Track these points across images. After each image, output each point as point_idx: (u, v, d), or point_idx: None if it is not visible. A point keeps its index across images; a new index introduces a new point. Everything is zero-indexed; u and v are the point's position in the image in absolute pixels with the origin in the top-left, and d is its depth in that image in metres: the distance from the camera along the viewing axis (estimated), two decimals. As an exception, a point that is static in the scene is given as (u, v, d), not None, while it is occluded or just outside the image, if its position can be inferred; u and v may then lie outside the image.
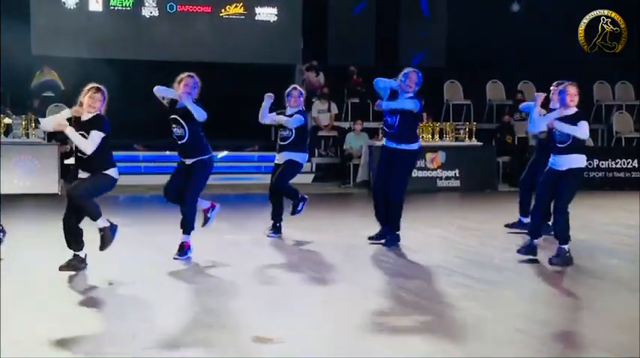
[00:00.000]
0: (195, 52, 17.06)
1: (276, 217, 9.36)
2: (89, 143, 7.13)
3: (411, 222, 10.49)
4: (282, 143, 9.48)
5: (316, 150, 16.72)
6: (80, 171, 7.38)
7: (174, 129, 7.99)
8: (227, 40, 17.61)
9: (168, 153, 15.49)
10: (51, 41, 16.63)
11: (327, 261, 8.12)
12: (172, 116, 8.00)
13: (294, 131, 9.40)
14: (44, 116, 14.81)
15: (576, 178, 7.97)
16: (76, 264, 7.31)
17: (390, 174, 8.77)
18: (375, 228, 9.01)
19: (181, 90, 7.79)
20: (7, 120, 14.44)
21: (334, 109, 16.97)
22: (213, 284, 7.07)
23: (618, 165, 16.05)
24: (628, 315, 6.21)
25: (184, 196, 7.89)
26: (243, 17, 18.01)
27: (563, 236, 7.86)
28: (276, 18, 18.16)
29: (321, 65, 17.73)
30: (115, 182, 7.47)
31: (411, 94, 8.71)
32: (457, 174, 15.23)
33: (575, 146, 7.89)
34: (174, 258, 7.79)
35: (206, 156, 8.00)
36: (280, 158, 9.49)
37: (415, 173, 15.17)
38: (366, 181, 15.16)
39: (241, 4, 17.96)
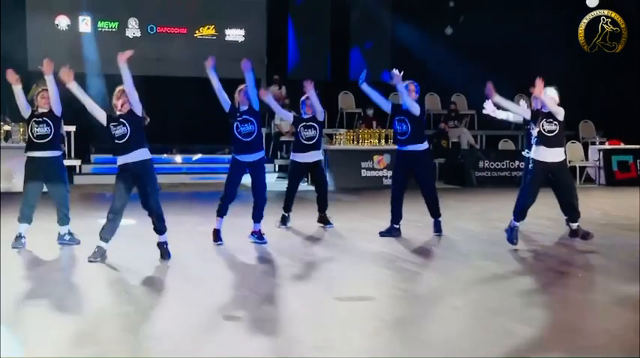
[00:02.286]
0: (172, 68, 17.04)
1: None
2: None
3: (362, 216, 10.59)
4: (308, 143, 9.49)
5: (279, 153, 16.72)
6: (120, 157, 7.14)
7: (242, 128, 8.08)
8: (200, 57, 17.35)
9: (153, 155, 15.41)
10: (45, 58, 16.36)
11: (287, 250, 8.13)
12: (242, 116, 8.15)
13: (319, 131, 9.48)
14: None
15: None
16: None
17: (417, 175, 8.73)
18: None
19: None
20: (6, 128, 14.36)
21: (294, 118, 16.95)
22: (189, 269, 7.06)
23: (536, 166, 16.25)
24: (536, 290, 6.34)
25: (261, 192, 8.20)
26: (214, 38, 17.99)
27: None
28: (243, 38, 18.18)
29: (282, 79, 17.74)
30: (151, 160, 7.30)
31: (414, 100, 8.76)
32: (400, 174, 15.31)
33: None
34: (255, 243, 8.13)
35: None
36: (308, 157, 9.51)
37: (364, 173, 15.31)
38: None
39: (213, 26, 17.94)
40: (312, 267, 7.34)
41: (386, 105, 9.10)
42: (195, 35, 17.86)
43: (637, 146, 16.77)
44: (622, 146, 16.79)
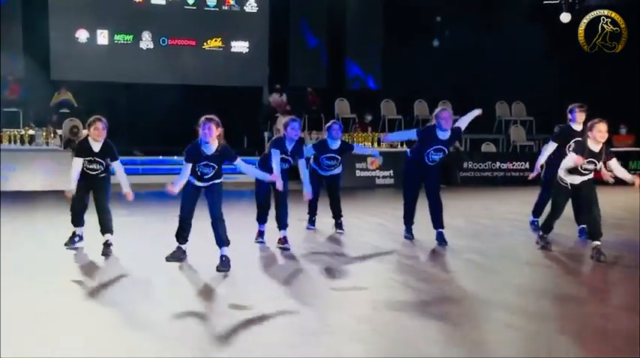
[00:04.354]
0: (183, 77, 17.03)
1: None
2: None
3: (356, 212, 10.54)
4: (327, 168, 8.78)
5: (280, 155, 16.66)
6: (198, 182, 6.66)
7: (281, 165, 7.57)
8: (208, 67, 17.54)
9: (161, 157, 15.36)
10: (66, 68, 16.46)
11: (290, 242, 8.06)
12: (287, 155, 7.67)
13: (340, 160, 8.78)
14: (61, 128, 14.67)
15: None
16: (180, 255, 6.91)
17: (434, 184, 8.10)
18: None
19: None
20: (31, 132, 14.36)
21: (294, 123, 16.90)
22: (197, 262, 6.98)
23: (515, 167, 16.28)
24: (522, 281, 6.31)
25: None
26: (221, 49, 17.97)
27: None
28: (247, 50, 18.16)
29: (284, 88, 17.73)
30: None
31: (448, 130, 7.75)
32: (392, 174, 15.31)
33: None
34: (282, 248, 7.59)
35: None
36: (327, 172, 8.85)
37: (358, 173, 15.27)
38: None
39: (220, 38, 17.92)
40: (312, 260, 7.27)
41: (412, 135, 8.26)
42: (204, 47, 17.83)
43: (611, 149, 16.71)
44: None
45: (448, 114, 7.76)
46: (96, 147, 7.20)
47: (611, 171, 7.37)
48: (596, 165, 7.17)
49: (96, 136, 7.18)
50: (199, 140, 6.54)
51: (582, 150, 7.09)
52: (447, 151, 7.94)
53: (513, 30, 17.66)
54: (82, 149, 7.24)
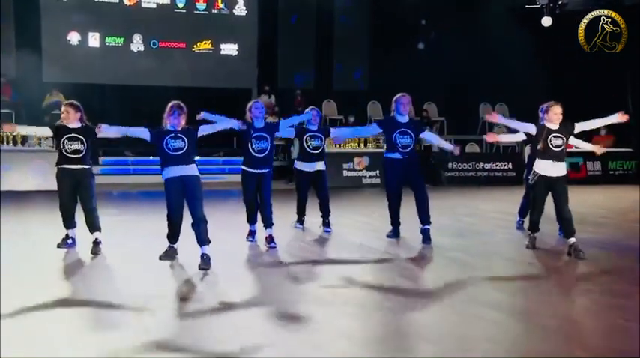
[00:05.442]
0: (173, 78, 16.95)
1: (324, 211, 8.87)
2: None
3: (343, 211, 10.52)
4: (314, 152, 8.67)
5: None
6: (173, 168, 6.57)
7: (256, 144, 7.54)
8: (198, 69, 17.49)
9: (152, 157, 15.28)
10: (58, 70, 16.38)
11: (277, 241, 8.02)
12: (257, 133, 7.60)
13: (324, 141, 8.76)
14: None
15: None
16: (173, 254, 6.85)
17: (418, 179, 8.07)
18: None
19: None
20: (23, 132, 14.22)
21: (282, 124, 16.91)
22: (186, 261, 6.93)
23: (498, 167, 16.34)
24: (506, 278, 6.32)
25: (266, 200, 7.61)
26: (211, 52, 17.93)
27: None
28: (237, 52, 18.13)
29: (272, 89, 17.71)
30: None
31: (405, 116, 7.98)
32: (378, 174, 15.30)
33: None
34: (268, 247, 7.50)
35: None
36: (312, 166, 8.69)
37: (345, 173, 15.27)
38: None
39: (209, 41, 17.88)
40: (299, 258, 7.25)
41: (371, 130, 8.54)
42: (194, 49, 17.78)
43: (585, 149, 16.80)
44: (573, 149, 16.79)
45: (407, 100, 7.97)
46: (72, 125, 7.18)
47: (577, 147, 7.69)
48: (563, 139, 7.24)
49: (66, 120, 7.17)
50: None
51: (541, 130, 7.25)
52: (413, 136, 7.95)
53: (497, 32, 17.70)
54: (58, 130, 7.23)
